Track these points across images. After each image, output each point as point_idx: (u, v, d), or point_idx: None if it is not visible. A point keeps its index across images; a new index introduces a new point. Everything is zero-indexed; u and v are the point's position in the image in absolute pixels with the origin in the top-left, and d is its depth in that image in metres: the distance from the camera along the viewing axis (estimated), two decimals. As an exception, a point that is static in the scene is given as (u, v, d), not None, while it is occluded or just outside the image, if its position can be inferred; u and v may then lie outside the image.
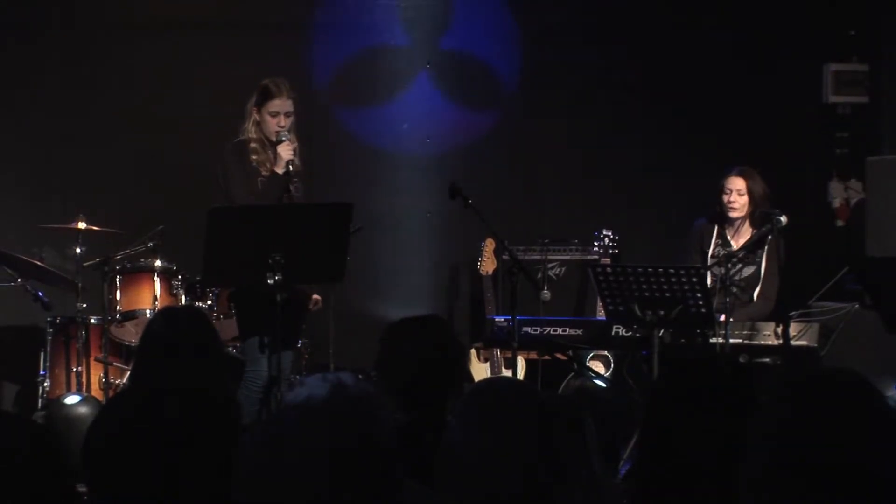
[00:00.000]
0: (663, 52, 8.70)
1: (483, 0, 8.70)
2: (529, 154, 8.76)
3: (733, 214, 7.09)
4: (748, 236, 7.14)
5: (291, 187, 6.39)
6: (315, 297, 6.95)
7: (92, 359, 7.31)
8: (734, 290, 6.78)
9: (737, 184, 7.08)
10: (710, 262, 7.04)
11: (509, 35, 8.72)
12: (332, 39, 8.52)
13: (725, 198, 7.08)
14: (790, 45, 8.72)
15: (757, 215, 7.01)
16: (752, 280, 7.08)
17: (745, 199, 7.06)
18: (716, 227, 7.18)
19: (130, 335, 7.26)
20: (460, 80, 8.66)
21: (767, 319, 6.96)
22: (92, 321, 7.33)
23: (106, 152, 8.14)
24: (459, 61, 8.66)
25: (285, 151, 6.34)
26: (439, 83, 8.63)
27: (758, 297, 7.08)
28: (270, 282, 5.74)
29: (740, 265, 7.06)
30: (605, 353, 7.90)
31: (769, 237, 6.96)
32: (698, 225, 7.25)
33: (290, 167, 6.33)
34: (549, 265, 8.28)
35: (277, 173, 6.35)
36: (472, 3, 8.71)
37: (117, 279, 7.29)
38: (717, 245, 7.17)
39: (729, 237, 7.16)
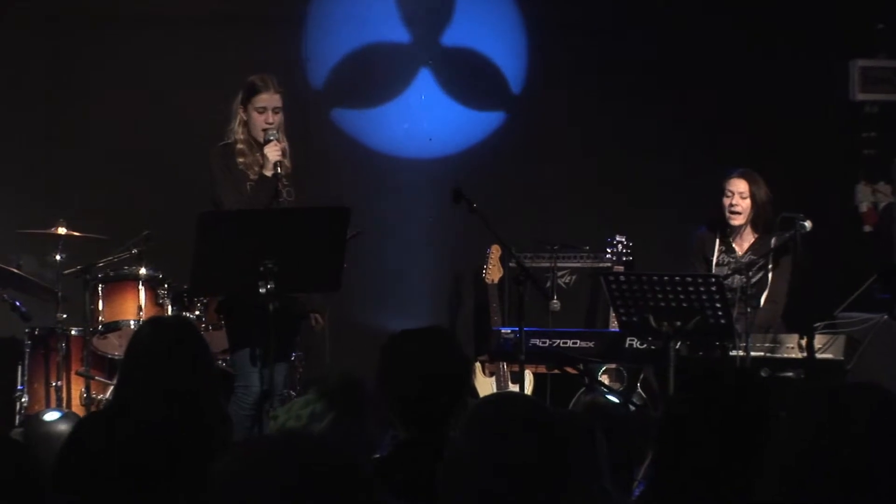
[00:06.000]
0: (679, 47, 8.72)
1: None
2: (538, 155, 8.77)
3: (735, 221, 7.12)
4: (751, 241, 7.17)
5: (284, 191, 6.39)
6: (316, 315, 6.92)
7: (73, 373, 7.33)
8: (743, 298, 6.79)
9: (739, 186, 7.09)
10: (723, 270, 7.05)
11: (516, 30, 8.75)
12: (329, 35, 8.54)
13: (727, 201, 7.10)
14: (815, 40, 8.73)
15: (778, 220, 7.02)
16: (760, 285, 7.10)
17: (748, 202, 7.08)
18: (718, 234, 7.20)
19: (114, 348, 7.27)
20: (464, 78, 8.69)
21: (777, 324, 6.99)
22: (73, 333, 7.35)
23: (88, 153, 8.16)
24: (463, 58, 8.68)
25: (272, 152, 6.33)
26: (442, 81, 8.65)
27: (765, 301, 7.08)
28: (262, 291, 5.75)
29: (761, 273, 7.08)
30: (618, 366, 7.91)
31: (793, 243, 6.96)
32: (699, 233, 7.27)
33: (279, 169, 6.32)
34: (559, 273, 8.29)
35: (266, 176, 6.34)
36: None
37: (100, 288, 7.31)
38: (720, 252, 7.19)
39: (732, 243, 7.18)
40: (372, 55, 8.60)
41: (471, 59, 8.70)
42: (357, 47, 8.58)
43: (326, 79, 8.57)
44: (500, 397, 2.72)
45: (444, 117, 8.66)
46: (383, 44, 8.61)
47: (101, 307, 7.31)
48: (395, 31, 8.61)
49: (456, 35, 8.68)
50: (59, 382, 7.29)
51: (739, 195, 7.08)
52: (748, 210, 7.10)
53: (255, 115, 6.41)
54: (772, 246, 7.09)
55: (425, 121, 8.63)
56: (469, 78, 8.70)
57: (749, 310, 6.73)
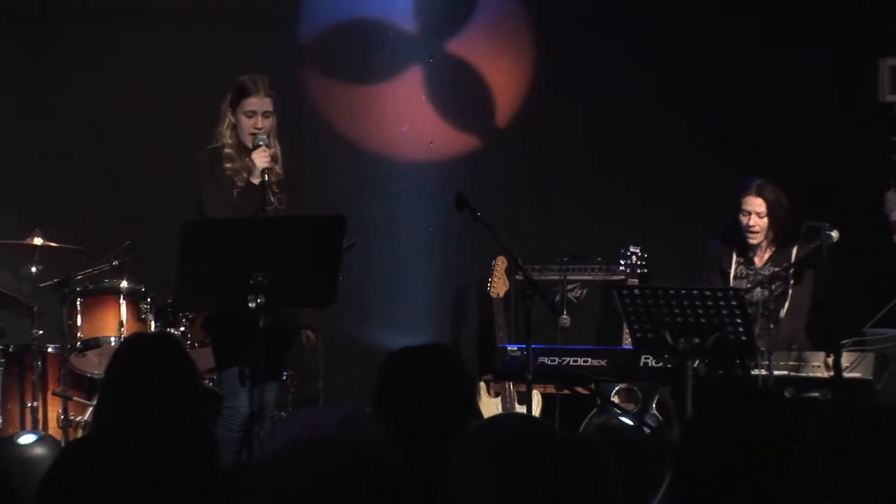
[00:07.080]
0: (694, 45, 8.70)
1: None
2: (545, 161, 8.76)
3: (753, 240, 7.15)
4: (771, 252, 7.17)
5: (274, 199, 6.37)
6: (307, 332, 6.92)
7: (49, 393, 7.32)
8: (766, 312, 6.77)
9: (756, 205, 7.09)
10: (742, 284, 7.05)
11: (522, 27, 8.74)
12: (326, 29, 8.54)
13: (744, 220, 7.12)
14: (841, 38, 8.71)
15: (803, 229, 7.00)
16: (781, 298, 7.09)
17: (765, 221, 7.11)
18: (735, 246, 7.20)
19: (93, 366, 7.27)
20: (468, 77, 8.68)
21: (801, 340, 6.97)
22: (49, 350, 7.34)
23: (66, 159, 8.16)
24: (466, 56, 8.68)
25: (259, 159, 6.29)
26: (444, 81, 8.64)
27: (785, 315, 7.07)
28: (252, 305, 5.74)
29: (783, 286, 7.06)
30: (632, 386, 7.90)
31: (819, 255, 6.94)
32: (714, 246, 7.28)
33: (267, 176, 6.29)
34: (569, 286, 8.28)
35: (253, 184, 6.31)
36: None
37: (78, 302, 7.30)
38: (738, 265, 7.20)
39: (751, 255, 7.18)
40: (371, 51, 8.58)
41: (475, 55, 8.69)
42: (354, 42, 8.57)
43: (323, 75, 8.56)
44: (505, 419, 2.69)
45: (445, 119, 8.64)
46: (383, 37, 8.59)
47: (79, 323, 7.30)
48: (398, 24, 8.60)
49: (460, 32, 8.67)
50: (35, 403, 7.29)
51: (756, 215, 7.10)
52: (766, 228, 7.12)
53: (243, 119, 6.39)
54: (794, 257, 7.09)
55: (426, 123, 8.62)
56: (473, 76, 8.68)
57: (772, 326, 6.71)
